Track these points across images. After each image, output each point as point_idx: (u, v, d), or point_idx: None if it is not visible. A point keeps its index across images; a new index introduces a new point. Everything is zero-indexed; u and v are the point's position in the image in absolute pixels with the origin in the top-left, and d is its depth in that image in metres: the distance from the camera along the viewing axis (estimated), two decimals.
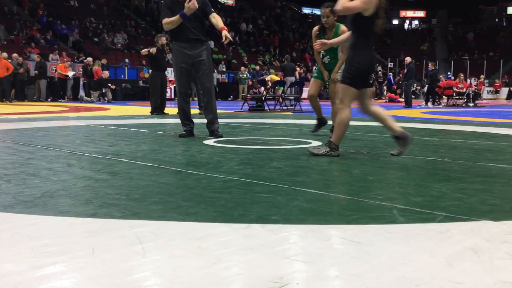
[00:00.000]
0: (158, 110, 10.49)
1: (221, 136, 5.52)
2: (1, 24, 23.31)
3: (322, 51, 5.73)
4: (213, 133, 5.57)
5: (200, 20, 5.41)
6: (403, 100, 22.50)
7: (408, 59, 17.51)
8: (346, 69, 4.14)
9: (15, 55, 18.11)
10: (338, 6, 3.89)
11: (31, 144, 4.78)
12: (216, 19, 5.42)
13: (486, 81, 31.97)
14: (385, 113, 4.20)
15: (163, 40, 10.46)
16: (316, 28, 5.78)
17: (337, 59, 5.71)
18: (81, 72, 19.97)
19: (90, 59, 19.14)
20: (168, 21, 5.33)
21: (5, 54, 17.27)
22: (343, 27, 5.60)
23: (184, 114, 5.65)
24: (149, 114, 10.36)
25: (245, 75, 23.49)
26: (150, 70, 10.97)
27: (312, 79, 6.14)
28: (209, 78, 5.55)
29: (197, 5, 5.21)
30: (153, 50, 10.26)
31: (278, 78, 17.09)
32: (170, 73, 16.08)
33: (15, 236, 1.86)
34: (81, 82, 19.74)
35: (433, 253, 1.71)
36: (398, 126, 4.16)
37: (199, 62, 5.41)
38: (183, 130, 5.66)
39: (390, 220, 2.12)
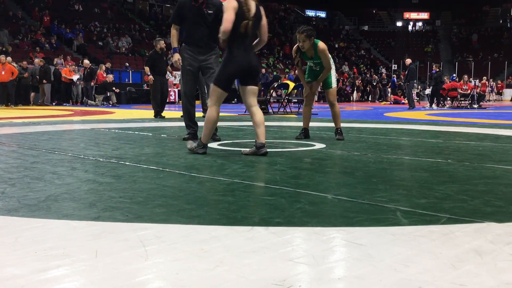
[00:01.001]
0: (161, 112, 10.53)
1: (219, 140, 5.53)
2: (6, 28, 23.41)
3: (310, 62, 5.83)
4: (212, 137, 5.52)
5: (212, 27, 5.26)
6: (407, 102, 22.47)
7: (408, 61, 17.51)
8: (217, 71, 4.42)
9: (24, 63, 18.27)
10: (221, 34, 4.19)
11: (35, 148, 4.80)
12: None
13: (493, 83, 31.80)
14: (261, 119, 4.38)
15: (161, 44, 10.50)
16: (295, 47, 5.74)
17: (321, 67, 5.76)
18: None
19: (86, 62, 19.16)
20: (172, 36, 5.48)
21: (9, 59, 17.35)
22: (320, 44, 5.62)
23: (189, 116, 5.64)
24: (153, 117, 10.39)
25: None
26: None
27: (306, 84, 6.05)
28: (204, 82, 5.58)
29: (180, 67, 5.43)
30: (150, 79, 10.45)
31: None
32: (170, 77, 16.08)
33: (19, 240, 1.87)
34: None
35: (436, 255, 1.70)
36: (264, 137, 4.33)
37: (206, 66, 5.41)
38: (187, 133, 5.67)
39: (393, 222, 2.11)
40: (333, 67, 5.89)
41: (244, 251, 1.74)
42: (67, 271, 1.54)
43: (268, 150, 4.33)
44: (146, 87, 22.21)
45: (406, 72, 17.77)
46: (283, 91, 14.67)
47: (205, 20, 5.30)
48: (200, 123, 5.74)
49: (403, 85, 21.75)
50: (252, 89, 4.40)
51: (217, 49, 5.50)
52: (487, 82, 29.42)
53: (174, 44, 5.49)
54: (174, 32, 5.46)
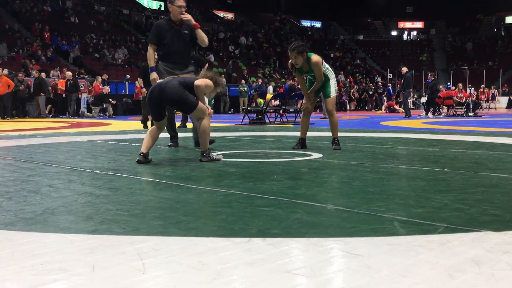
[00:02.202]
0: (146, 123, 10.54)
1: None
2: (2, 41, 23.44)
3: (307, 76, 5.87)
4: (197, 143, 5.87)
5: (187, 45, 5.82)
6: (402, 110, 22.54)
7: (404, 69, 17.58)
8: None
9: (20, 75, 18.26)
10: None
11: (32, 160, 4.79)
12: (200, 34, 5.75)
13: (494, 90, 31.74)
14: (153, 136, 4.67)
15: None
16: (290, 63, 5.77)
17: (324, 78, 5.77)
18: (83, 88, 20.07)
19: (69, 73, 19.10)
20: (148, 57, 5.80)
21: (5, 71, 17.35)
22: (313, 57, 5.62)
23: (172, 126, 6.34)
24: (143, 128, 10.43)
25: (245, 88, 23.58)
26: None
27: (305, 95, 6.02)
28: None
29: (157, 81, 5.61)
30: (144, 92, 10.48)
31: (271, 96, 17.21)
32: None
33: (16, 254, 1.86)
34: (82, 98, 19.82)
35: (433, 265, 1.70)
36: (149, 148, 4.59)
37: None
38: (171, 141, 6.34)
39: (390, 232, 2.12)
40: (333, 76, 5.90)
41: (242, 263, 1.74)
42: (65, 285, 1.53)
43: (263, 160, 4.33)
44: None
45: (402, 81, 17.84)
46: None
47: (183, 39, 5.77)
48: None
49: (399, 93, 21.84)
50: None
51: (191, 66, 5.97)
52: (484, 90, 29.49)
53: (152, 63, 5.77)
54: (151, 52, 5.82)
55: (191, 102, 4.55)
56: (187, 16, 5.68)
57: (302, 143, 5.90)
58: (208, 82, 4.64)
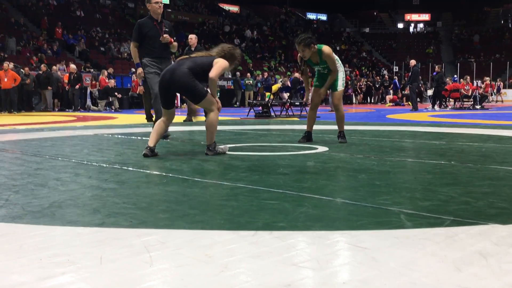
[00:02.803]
0: (151, 118, 10.54)
1: (167, 137, 6.37)
2: (7, 34, 23.51)
3: (317, 67, 5.79)
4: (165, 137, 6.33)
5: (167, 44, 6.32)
6: (406, 103, 22.48)
7: (412, 62, 17.48)
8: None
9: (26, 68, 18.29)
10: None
11: (39, 154, 4.81)
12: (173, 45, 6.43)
13: (500, 82, 31.47)
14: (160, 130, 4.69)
15: None
16: (299, 56, 5.71)
17: (329, 70, 5.70)
18: (88, 82, 20.10)
19: (72, 66, 19.08)
20: (133, 54, 6.30)
21: (11, 65, 17.41)
22: (324, 48, 5.57)
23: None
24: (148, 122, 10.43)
25: (251, 81, 23.55)
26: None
27: (313, 88, 5.96)
28: None
29: (168, 39, 6.19)
30: (140, 90, 10.50)
31: (278, 87, 17.23)
32: None
33: (24, 247, 1.87)
34: (88, 91, 19.86)
35: (441, 257, 1.70)
36: (155, 141, 4.62)
37: None
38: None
39: (397, 225, 2.11)
40: (342, 69, 5.78)
41: (248, 256, 1.74)
42: (72, 278, 1.54)
43: (269, 153, 4.33)
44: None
45: (410, 74, 17.74)
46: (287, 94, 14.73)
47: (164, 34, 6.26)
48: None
49: (405, 86, 21.73)
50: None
51: (171, 58, 6.54)
52: (490, 83, 29.28)
53: (137, 60, 6.24)
54: (135, 49, 6.24)
55: (199, 92, 4.50)
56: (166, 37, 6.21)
57: (308, 137, 5.88)
58: (224, 64, 4.53)
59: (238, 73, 24.86)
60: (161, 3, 6.28)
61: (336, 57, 5.74)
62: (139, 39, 6.17)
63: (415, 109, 17.04)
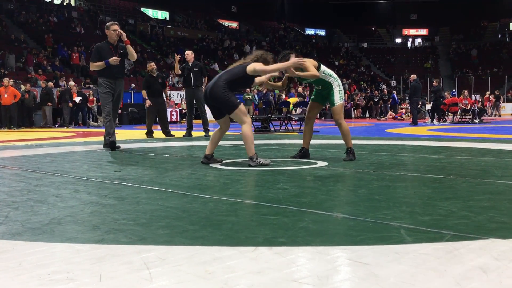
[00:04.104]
0: (151, 133, 10.63)
1: (113, 145, 7.05)
2: (7, 51, 23.62)
3: (306, 81, 5.73)
4: (112, 144, 7.11)
5: (122, 61, 7.22)
6: (404, 117, 22.52)
7: (413, 77, 17.56)
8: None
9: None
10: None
11: (38, 170, 4.81)
12: (130, 49, 7.37)
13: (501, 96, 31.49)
14: (215, 138, 5.21)
15: (151, 65, 10.69)
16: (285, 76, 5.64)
17: (326, 86, 5.49)
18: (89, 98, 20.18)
19: (42, 82, 19.15)
20: (95, 65, 7.13)
21: (11, 82, 17.47)
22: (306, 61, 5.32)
23: (111, 128, 7.22)
24: (147, 137, 10.48)
25: (250, 96, 23.62)
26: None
27: (310, 102, 5.78)
28: (118, 103, 7.51)
29: (118, 61, 7.11)
30: (147, 103, 10.59)
31: (296, 101, 17.34)
32: (175, 96, 16.14)
33: (23, 264, 1.87)
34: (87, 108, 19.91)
35: (441, 273, 1.70)
36: (211, 150, 5.18)
37: (119, 93, 7.33)
38: (108, 141, 7.15)
39: (397, 240, 2.11)
40: (337, 83, 5.53)
41: (248, 272, 1.74)
42: None
43: (268, 168, 4.32)
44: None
45: (410, 89, 17.81)
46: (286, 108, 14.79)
47: (120, 57, 7.16)
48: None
49: (408, 101, 21.74)
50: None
51: (123, 79, 7.40)
52: (489, 97, 29.33)
53: (102, 63, 7.05)
54: (96, 64, 7.10)
55: (231, 103, 4.85)
56: (123, 33, 7.26)
57: (303, 154, 5.62)
58: (259, 65, 4.87)
59: None
60: (118, 31, 7.25)
61: (328, 70, 5.51)
62: (96, 60, 7.11)
63: (414, 123, 17.08)
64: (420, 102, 18.25)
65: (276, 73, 5.17)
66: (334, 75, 5.58)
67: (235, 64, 5.12)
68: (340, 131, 5.57)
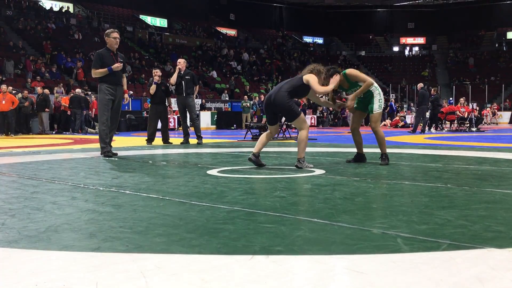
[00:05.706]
0: (152, 140, 10.63)
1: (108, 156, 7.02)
2: (5, 58, 23.65)
3: (350, 91, 5.95)
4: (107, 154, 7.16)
5: (122, 71, 7.42)
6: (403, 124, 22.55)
7: (420, 85, 17.70)
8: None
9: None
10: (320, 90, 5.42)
11: (35, 177, 4.80)
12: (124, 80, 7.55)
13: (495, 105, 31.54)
14: (264, 139, 5.66)
15: (156, 72, 10.76)
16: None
17: (368, 93, 5.81)
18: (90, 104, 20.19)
19: (39, 88, 19.11)
20: (98, 72, 7.17)
21: (10, 88, 17.47)
22: (348, 71, 5.80)
23: (106, 136, 7.29)
24: (146, 144, 10.48)
25: (248, 104, 23.66)
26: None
27: (354, 111, 6.06)
28: (119, 110, 7.61)
29: (121, 67, 7.25)
30: (152, 89, 10.59)
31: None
32: (174, 104, 16.16)
33: (20, 272, 1.86)
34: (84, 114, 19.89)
35: (437, 282, 1.70)
36: (259, 149, 5.58)
37: (119, 99, 7.40)
38: (105, 150, 7.18)
39: (394, 249, 2.11)
40: (378, 92, 5.81)
41: (245, 280, 1.74)
42: None
43: (266, 176, 4.34)
44: (145, 114, 22.31)
45: (418, 97, 17.90)
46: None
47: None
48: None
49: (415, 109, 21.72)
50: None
51: (122, 86, 7.46)
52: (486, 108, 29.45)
53: (105, 70, 7.09)
54: (97, 71, 7.13)
55: (294, 112, 5.38)
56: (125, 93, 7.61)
57: (357, 157, 6.07)
58: (312, 78, 5.30)
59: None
60: (118, 38, 7.39)
61: (370, 78, 5.83)
62: (98, 66, 7.15)
63: (414, 131, 17.10)
64: (429, 111, 18.24)
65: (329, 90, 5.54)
66: (375, 84, 5.90)
67: (297, 76, 5.61)
68: (376, 138, 5.96)
